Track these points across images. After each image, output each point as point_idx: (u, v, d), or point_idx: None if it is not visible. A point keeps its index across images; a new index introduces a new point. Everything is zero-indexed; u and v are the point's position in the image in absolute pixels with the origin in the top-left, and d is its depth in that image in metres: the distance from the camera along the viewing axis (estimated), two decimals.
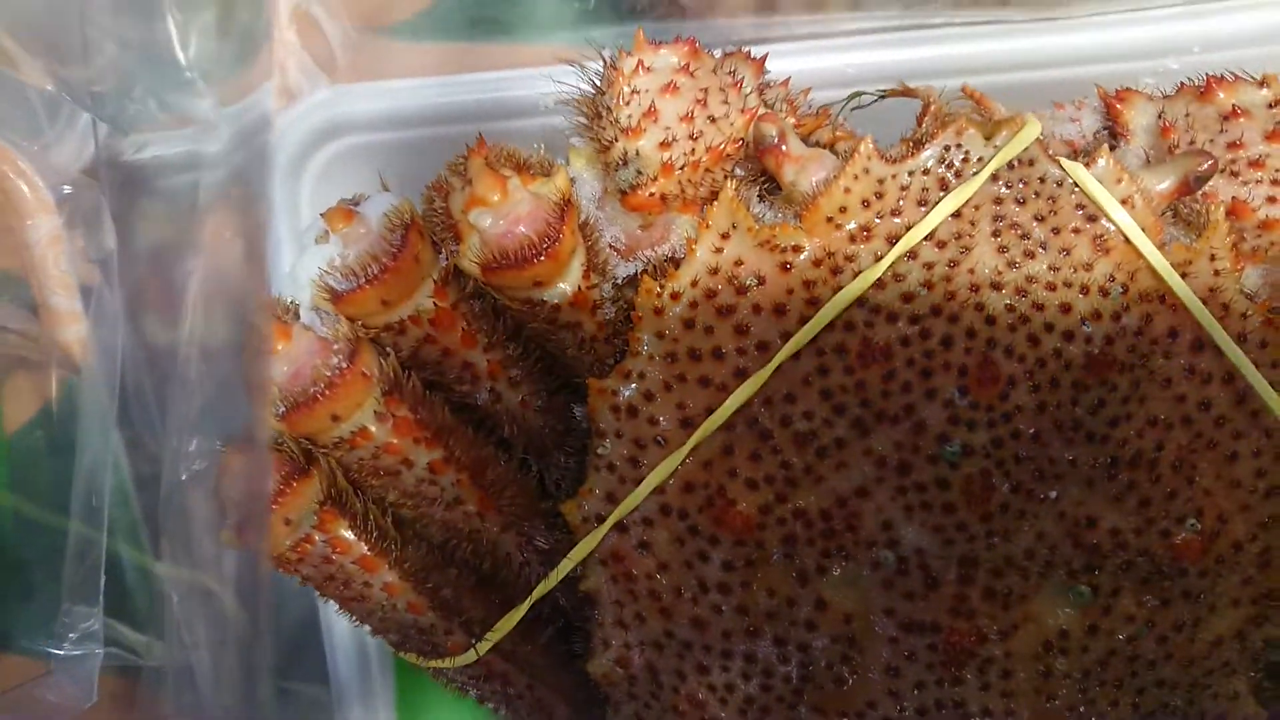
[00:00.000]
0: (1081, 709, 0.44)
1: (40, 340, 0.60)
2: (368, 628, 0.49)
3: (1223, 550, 0.43)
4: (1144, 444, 0.41)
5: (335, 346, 0.41)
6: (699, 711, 0.46)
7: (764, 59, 0.47)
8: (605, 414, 0.44)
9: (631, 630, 0.46)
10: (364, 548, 0.43)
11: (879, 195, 0.42)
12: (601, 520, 0.44)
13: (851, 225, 0.42)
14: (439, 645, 0.47)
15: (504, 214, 0.41)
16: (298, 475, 0.42)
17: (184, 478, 0.48)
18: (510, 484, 0.46)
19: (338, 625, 0.63)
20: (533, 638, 0.49)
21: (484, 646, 0.46)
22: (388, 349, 0.43)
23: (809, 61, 0.57)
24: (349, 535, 0.43)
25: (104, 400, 0.57)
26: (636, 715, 0.49)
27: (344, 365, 0.40)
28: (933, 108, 0.44)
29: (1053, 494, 0.41)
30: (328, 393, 0.40)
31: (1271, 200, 0.43)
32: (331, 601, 0.47)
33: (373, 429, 0.41)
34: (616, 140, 0.44)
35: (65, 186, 0.59)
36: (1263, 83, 0.45)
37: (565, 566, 0.45)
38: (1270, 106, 0.45)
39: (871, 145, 0.42)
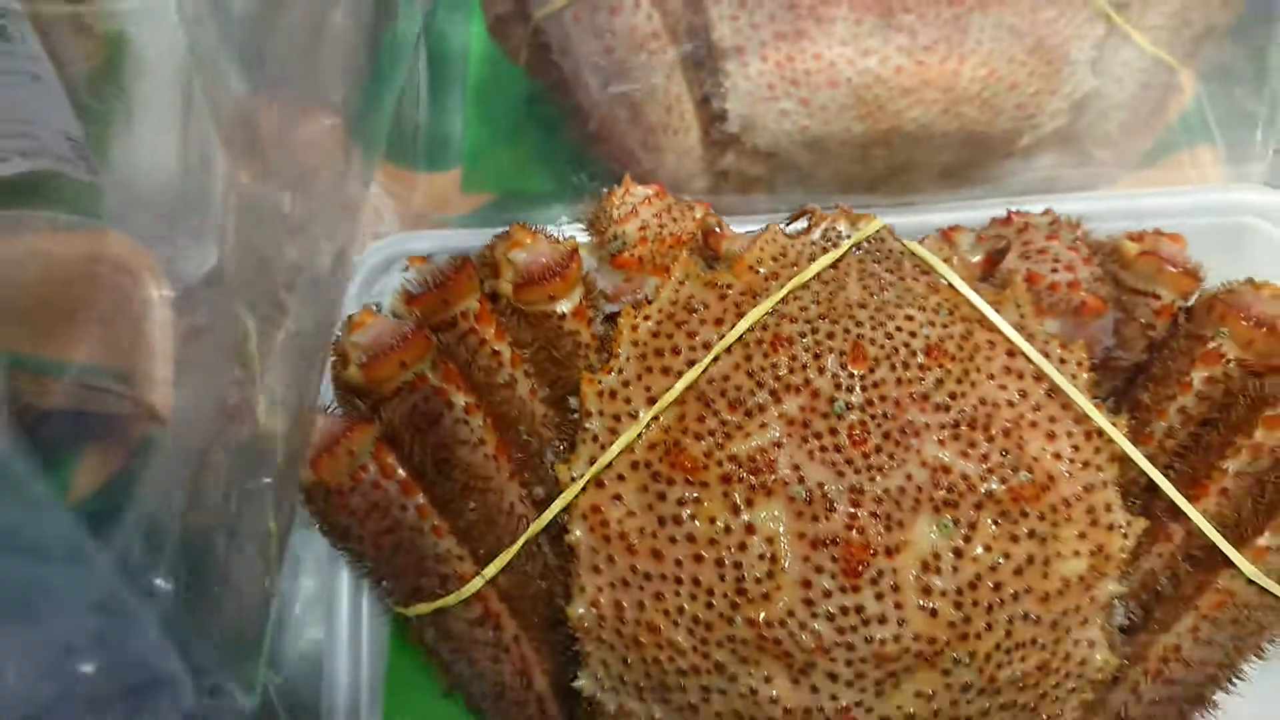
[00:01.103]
0: (959, 626, 0.54)
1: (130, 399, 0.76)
2: (383, 584, 0.60)
3: (1055, 502, 0.57)
4: (978, 415, 0.58)
5: (404, 323, 0.59)
6: (655, 636, 0.57)
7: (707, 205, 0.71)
8: (592, 398, 0.60)
9: (603, 573, 0.58)
10: (404, 473, 0.57)
11: (784, 253, 0.63)
12: (590, 478, 0.59)
13: (764, 270, 0.62)
14: (449, 577, 0.58)
15: (531, 251, 0.62)
16: (362, 421, 0.58)
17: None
18: (517, 436, 0.61)
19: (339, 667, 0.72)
20: (524, 587, 0.60)
21: (490, 570, 0.57)
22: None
23: None
24: (395, 463, 0.57)
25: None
26: (604, 662, 0.59)
27: (413, 327, 0.58)
28: (817, 212, 0.66)
29: (914, 443, 0.57)
30: (401, 344, 0.57)
31: (1054, 272, 0.64)
32: (362, 548, 0.59)
33: (429, 374, 0.58)
34: (609, 227, 0.66)
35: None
36: (1045, 213, 0.68)
37: (556, 506, 0.58)
38: (1050, 224, 0.67)
39: (778, 227, 0.64)
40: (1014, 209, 0.70)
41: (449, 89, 1.07)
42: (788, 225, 0.67)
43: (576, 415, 0.61)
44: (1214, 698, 0.62)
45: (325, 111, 0.84)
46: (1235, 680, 0.64)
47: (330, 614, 0.75)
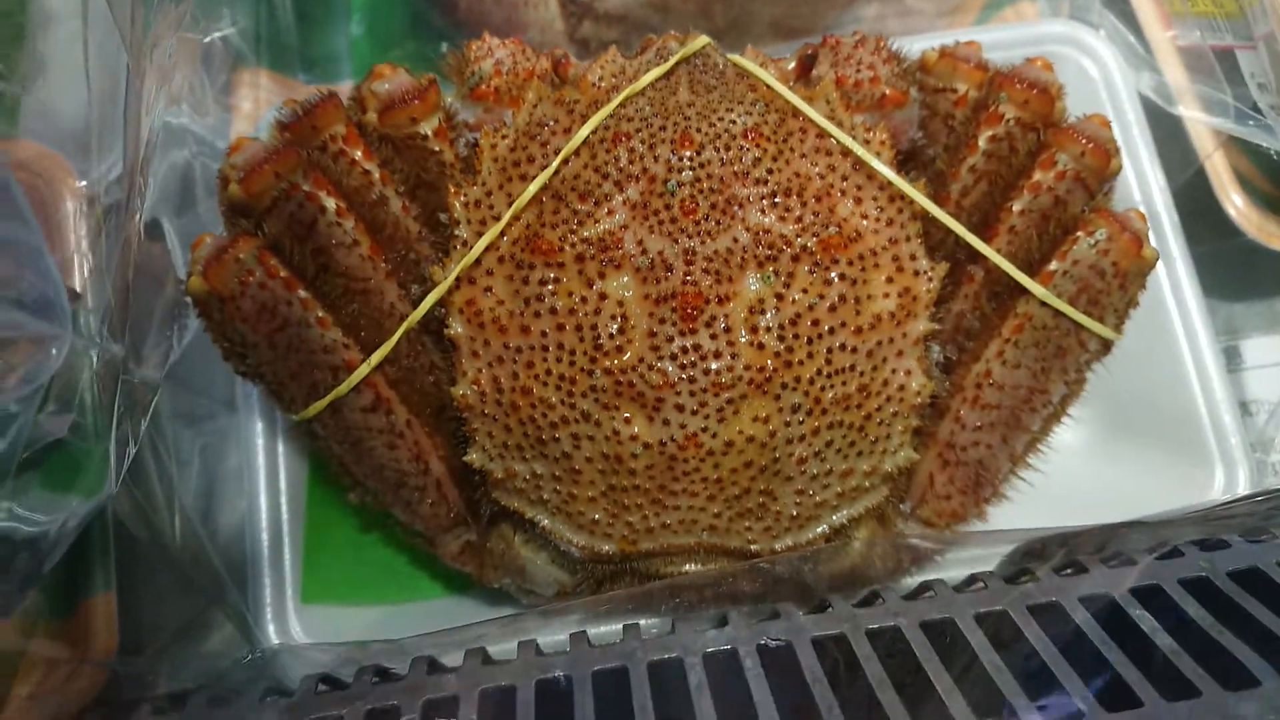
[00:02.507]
0: (784, 354, 0.63)
1: None
2: (283, 393, 0.67)
3: (863, 251, 0.66)
4: (792, 185, 0.66)
5: (277, 143, 0.66)
6: (528, 398, 0.64)
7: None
8: (459, 209, 0.67)
9: (480, 355, 0.65)
10: (287, 273, 0.63)
11: (622, 71, 0.71)
12: (457, 274, 0.66)
13: (604, 84, 0.70)
14: (338, 365, 0.65)
15: (392, 81, 0.69)
16: (245, 234, 0.64)
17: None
18: (393, 248, 0.68)
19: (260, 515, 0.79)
20: (413, 380, 0.68)
21: (376, 357, 0.64)
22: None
23: None
24: (278, 265, 0.64)
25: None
26: (489, 434, 0.66)
27: (282, 147, 0.65)
28: (653, 38, 0.74)
29: (739, 211, 0.65)
30: (272, 157, 0.64)
31: (858, 71, 0.73)
32: (258, 355, 0.66)
33: (300, 182, 0.65)
34: (467, 66, 0.73)
35: None
36: (854, 33, 0.77)
37: (431, 298, 0.65)
38: (858, 40, 0.76)
39: (615, 50, 0.72)
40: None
41: (334, 8, 1.13)
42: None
43: (448, 226, 0.69)
44: (1034, 424, 0.71)
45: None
46: (1055, 410, 0.74)
47: (248, 466, 0.82)
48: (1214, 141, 0.96)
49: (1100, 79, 0.94)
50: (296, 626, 0.80)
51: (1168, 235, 0.88)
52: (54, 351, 0.60)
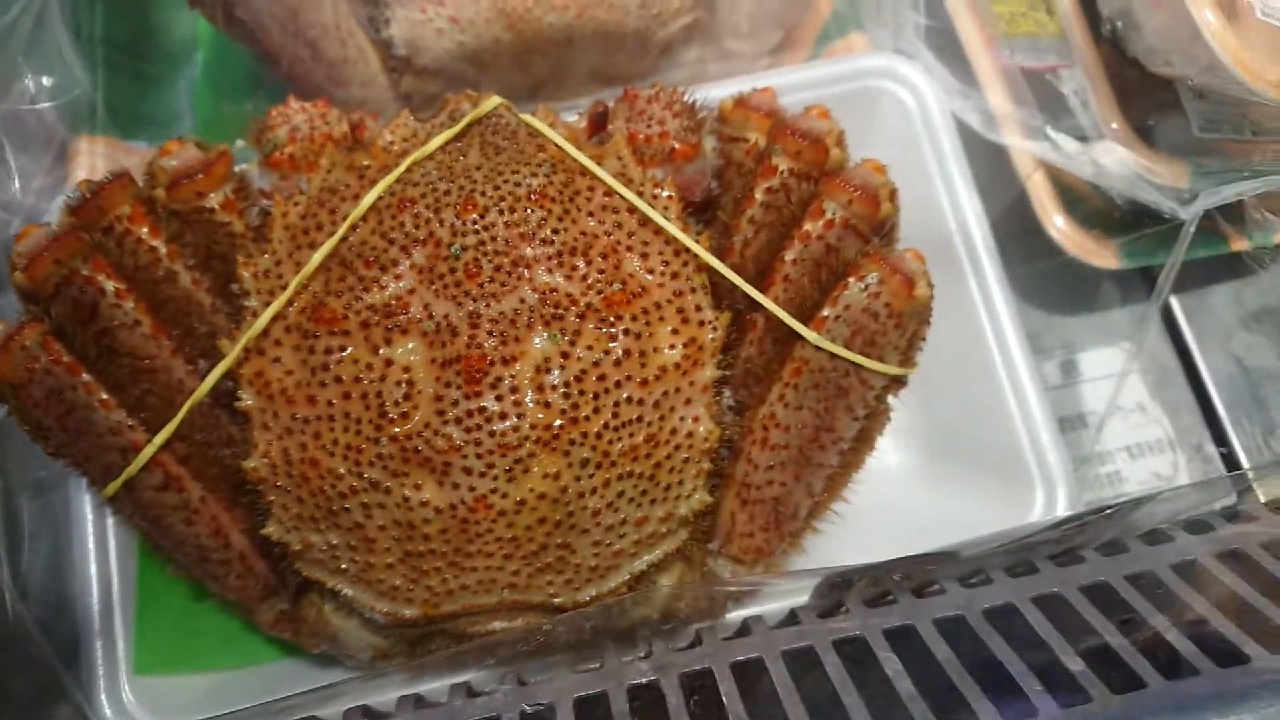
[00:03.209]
0: (570, 411, 0.64)
1: None
2: (82, 471, 0.66)
3: (647, 306, 0.67)
4: (579, 244, 0.68)
5: (60, 229, 0.66)
6: (317, 469, 0.64)
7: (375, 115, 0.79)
8: (248, 279, 0.68)
9: (271, 427, 0.65)
10: (69, 358, 0.63)
11: (414, 134, 0.72)
12: (244, 345, 0.66)
13: (395, 147, 0.71)
14: (126, 447, 0.65)
15: (179, 156, 0.69)
16: (32, 319, 0.64)
17: None
18: (180, 323, 0.68)
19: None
20: (207, 454, 0.68)
21: (160, 436, 0.64)
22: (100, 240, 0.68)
23: None
24: (61, 349, 0.63)
25: None
26: (283, 506, 0.66)
27: (63, 233, 0.64)
28: (448, 98, 0.75)
29: (525, 272, 0.66)
30: (53, 244, 0.64)
31: (649, 126, 0.75)
32: (54, 437, 0.65)
33: (80, 267, 0.64)
34: (265, 133, 0.73)
35: None
36: (653, 85, 0.79)
37: (215, 374, 0.65)
38: (654, 93, 0.78)
39: (408, 112, 0.73)
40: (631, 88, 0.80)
41: (178, 69, 1.13)
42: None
43: (239, 298, 0.69)
44: (826, 460, 0.73)
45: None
46: (863, 450, 0.76)
47: (79, 543, 0.81)
48: (1033, 163, 1.00)
49: (917, 110, 0.97)
50: (130, 699, 0.79)
51: (982, 261, 0.91)
52: None
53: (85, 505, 0.81)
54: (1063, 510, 0.86)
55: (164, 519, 0.68)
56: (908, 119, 0.96)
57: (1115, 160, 0.91)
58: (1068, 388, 1.06)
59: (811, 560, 0.82)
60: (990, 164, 0.99)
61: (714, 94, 0.91)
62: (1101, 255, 0.97)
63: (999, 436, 0.88)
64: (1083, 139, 0.94)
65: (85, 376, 0.63)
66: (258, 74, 1.10)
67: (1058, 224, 0.99)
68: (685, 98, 0.78)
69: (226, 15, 0.94)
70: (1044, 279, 1.04)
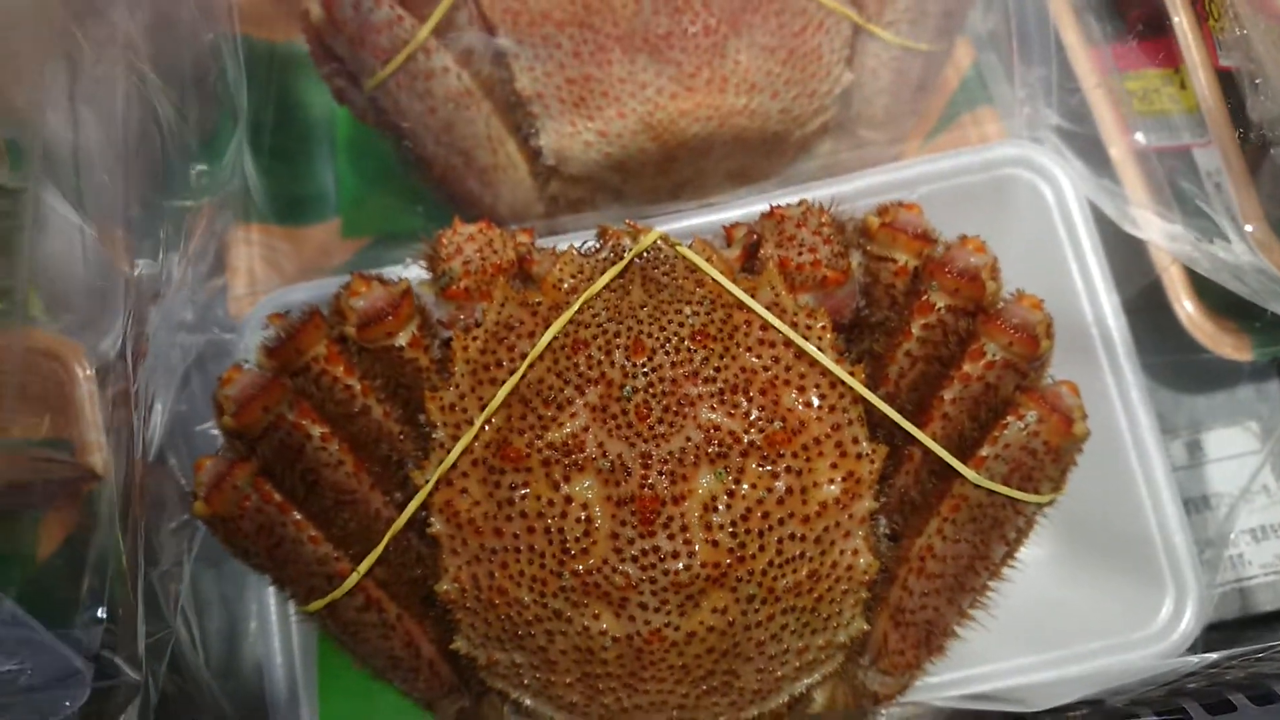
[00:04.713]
0: (737, 550, 0.68)
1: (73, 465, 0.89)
2: (285, 590, 0.73)
3: (806, 441, 0.71)
4: (739, 381, 0.71)
5: (264, 373, 0.72)
6: (504, 597, 0.70)
7: (530, 230, 0.84)
8: (435, 412, 0.73)
9: (460, 554, 0.71)
10: (280, 498, 0.70)
11: (580, 270, 0.76)
12: (436, 479, 0.72)
13: (565, 285, 0.75)
14: (331, 575, 0.71)
15: (367, 297, 0.75)
16: (241, 460, 0.71)
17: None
18: (372, 452, 0.74)
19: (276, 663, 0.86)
20: (401, 575, 0.74)
21: (363, 566, 0.70)
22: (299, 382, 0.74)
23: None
24: (271, 490, 0.70)
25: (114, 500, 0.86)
26: (471, 625, 0.72)
27: (270, 376, 0.71)
28: (609, 230, 0.79)
29: (690, 411, 0.70)
30: (260, 393, 0.70)
31: (800, 254, 0.77)
32: (261, 562, 0.72)
33: (287, 414, 0.71)
34: (439, 265, 0.78)
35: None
36: (800, 203, 0.82)
37: (411, 507, 0.71)
38: (802, 213, 0.80)
39: (573, 248, 0.77)
40: (776, 203, 0.83)
41: (319, 148, 1.19)
42: (584, 246, 0.80)
43: (426, 428, 0.74)
44: (979, 583, 0.76)
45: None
46: (1006, 565, 0.79)
47: (262, 620, 0.89)
48: (1169, 257, 0.99)
49: (1053, 198, 0.98)
50: None
51: (1119, 355, 0.92)
52: None
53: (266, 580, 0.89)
54: (1190, 610, 0.87)
55: (361, 633, 0.74)
56: (1043, 207, 0.97)
57: (1253, 268, 0.90)
58: (1193, 469, 1.06)
59: (945, 659, 0.85)
60: (1124, 246, 0.99)
61: (849, 188, 0.94)
62: (1237, 348, 0.96)
63: (1129, 525, 0.89)
64: (1220, 237, 0.93)
65: (295, 515, 0.70)
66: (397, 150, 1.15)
67: (1189, 312, 0.99)
68: (831, 217, 0.81)
69: (378, 119, 0.99)
70: (1175, 363, 1.04)
